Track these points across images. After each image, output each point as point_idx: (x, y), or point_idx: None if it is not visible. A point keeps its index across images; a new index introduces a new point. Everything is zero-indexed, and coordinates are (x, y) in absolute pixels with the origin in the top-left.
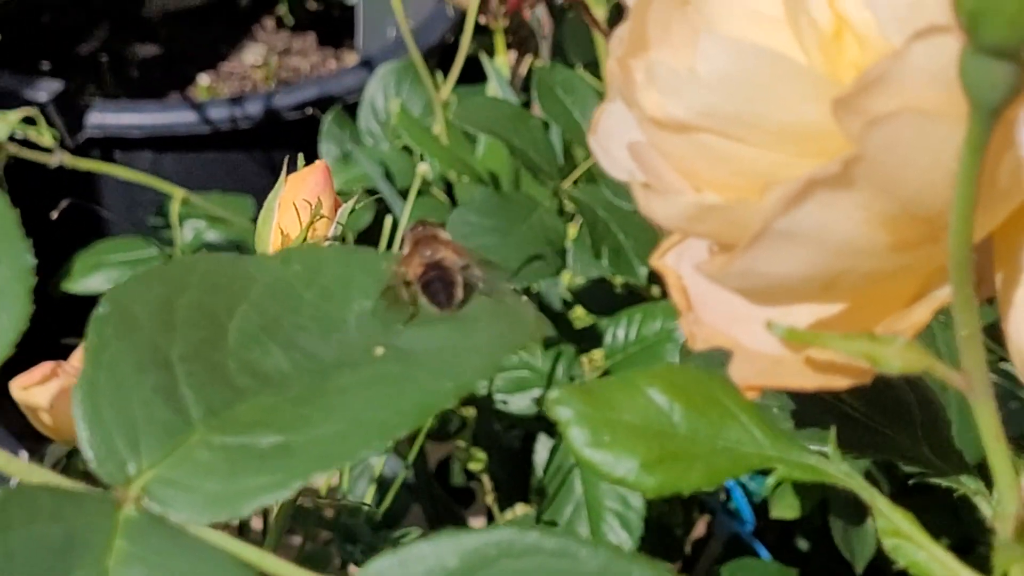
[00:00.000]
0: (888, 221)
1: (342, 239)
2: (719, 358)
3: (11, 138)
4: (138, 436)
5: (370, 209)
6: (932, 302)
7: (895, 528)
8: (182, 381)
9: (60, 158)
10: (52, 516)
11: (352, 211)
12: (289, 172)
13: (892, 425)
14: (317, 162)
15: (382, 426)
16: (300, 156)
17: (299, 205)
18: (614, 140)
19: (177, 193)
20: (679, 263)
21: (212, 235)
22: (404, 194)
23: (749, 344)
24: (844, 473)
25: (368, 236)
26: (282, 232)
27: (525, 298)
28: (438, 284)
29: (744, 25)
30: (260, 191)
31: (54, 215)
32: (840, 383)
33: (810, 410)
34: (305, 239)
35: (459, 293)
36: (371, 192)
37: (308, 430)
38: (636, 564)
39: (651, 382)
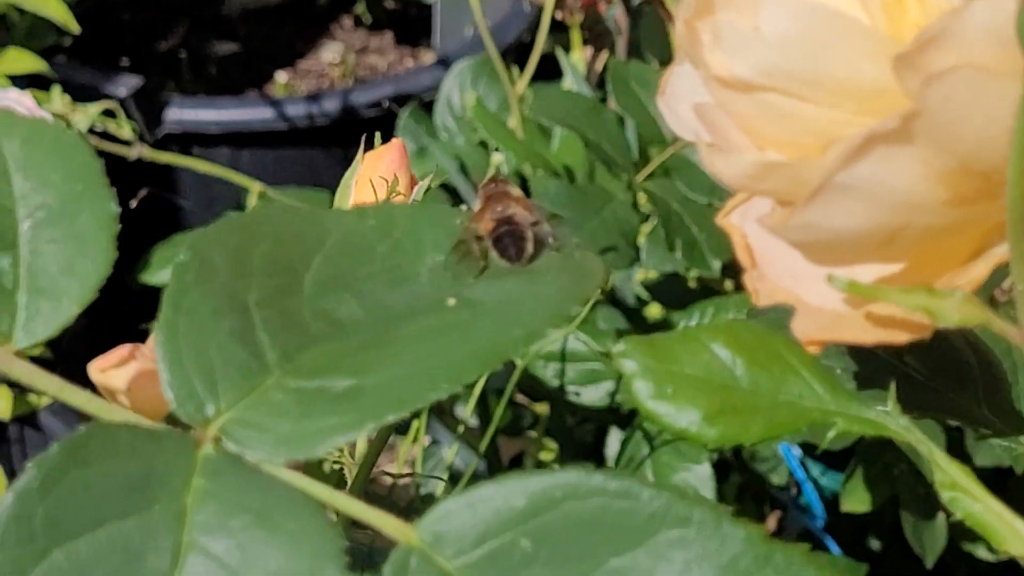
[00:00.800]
0: (946, 176)
1: None
2: (781, 316)
3: (91, 131)
4: (216, 378)
5: (444, 202)
6: (990, 258)
7: (952, 481)
8: (258, 326)
9: (139, 151)
10: (132, 453)
11: (427, 189)
12: (366, 151)
13: (953, 386)
14: (394, 140)
15: (451, 369)
16: (377, 135)
17: (375, 182)
18: (681, 101)
19: (254, 187)
20: (743, 221)
21: None
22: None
23: (811, 300)
24: (903, 427)
25: None
26: None
27: (591, 252)
28: (508, 239)
29: None
30: (336, 187)
31: (133, 204)
32: (900, 337)
33: (872, 371)
34: None
35: (529, 248)
36: (446, 187)
37: (379, 373)
38: (697, 505)
39: (714, 337)
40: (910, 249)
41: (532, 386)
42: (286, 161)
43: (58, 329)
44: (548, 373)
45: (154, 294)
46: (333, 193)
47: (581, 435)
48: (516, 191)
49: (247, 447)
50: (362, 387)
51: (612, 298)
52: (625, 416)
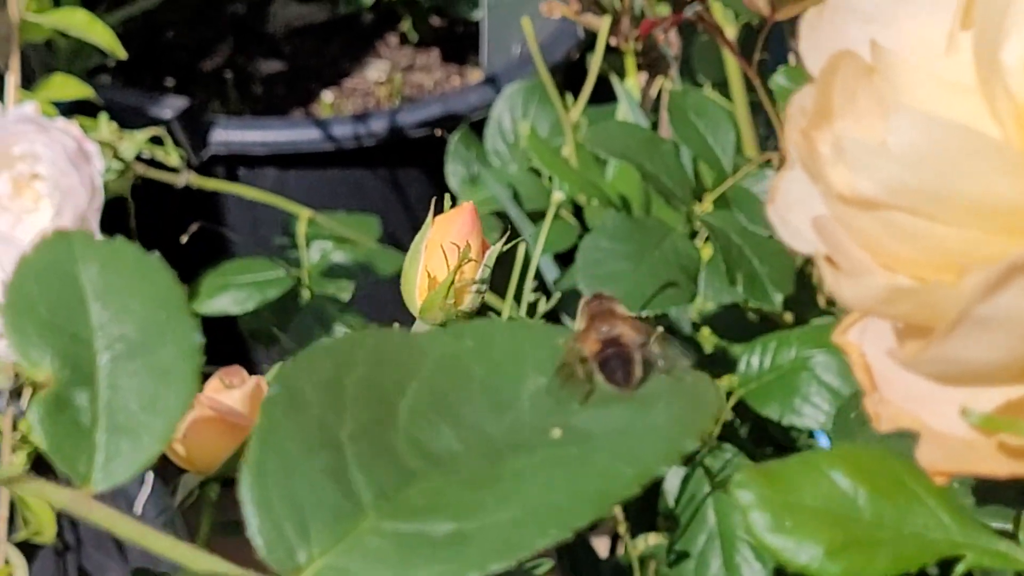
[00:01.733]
0: None
1: (489, 282)
2: (905, 440)
3: (137, 157)
4: (307, 521)
5: (496, 230)
6: None
7: None
8: (352, 462)
9: (187, 178)
10: None
11: (500, 253)
12: (436, 213)
13: None
14: (464, 204)
15: (560, 513)
16: (447, 197)
17: (446, 248)
18: (794, 211)
19: (303, 213)
20: (862, 339)
21: (339, 256)
22: (532, 217)
23: (937, 426)
24: None
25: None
26: (429, 275)
27: (703, 375)
28: (616, 362)
29: (935, 95)
30: (384, 210)
31: (184, 239)
32: None
33: (993, 484)
34: (452, 283)
35: (638, 371)
36: (499, 215)
37: (482, 516)
38: None
39: (834, 464)
40: None
41: None
42: (333, 183)
43: (140, 469)
44: None
45: (207, 327)
46: (380, 216)
47: None
48: (622, 309)
49: None
50: (465, 532)
51: (667, 326)
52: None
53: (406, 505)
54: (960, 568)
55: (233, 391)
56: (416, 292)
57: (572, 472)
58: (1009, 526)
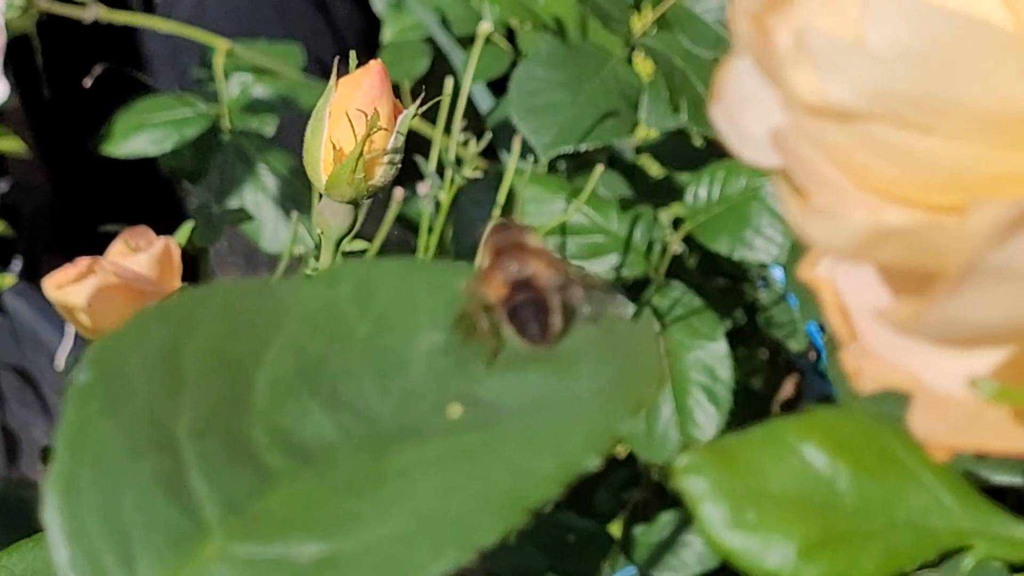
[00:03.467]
0: None
1: (402, 152)
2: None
3: None
4: (134, 550)
5: (425, 56)
6: None
7: None
8: (192, 465)
9: (95, 12)
10: None
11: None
12: (340, 75)
13: None
14: (372, 63)
15: (460, 526)
16: (352, 55)
17: (352, 115)
18: (747, 112)
19: (221, 45)
20: (835, 274)
21: (260, 89)
22: (463, 43)
23: (936, 386)
24: None
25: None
26: (334, 147)
27: (644, 323)
28: (529, 310)
29: None
30: (309, 34)
31: (87, 83)
32: None
33: None
34: (360, 155)
35: (556, 322)
36: (428, 41)
37: (361, 533)
38: None
39: (806, 436)
40: None
41: None
42: (255, 6)
43: None
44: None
45: (119, 168)
46: (306, 41)
47: None
48: (535, 240)
49: None
50: (338, 555)
51: (610, 160)
52: (631, 287)
53: (263, 521)
54: (968, 563)
55: (139, 255)
56: (321, 166)
57: (474, 468)
58: (1019, 480)
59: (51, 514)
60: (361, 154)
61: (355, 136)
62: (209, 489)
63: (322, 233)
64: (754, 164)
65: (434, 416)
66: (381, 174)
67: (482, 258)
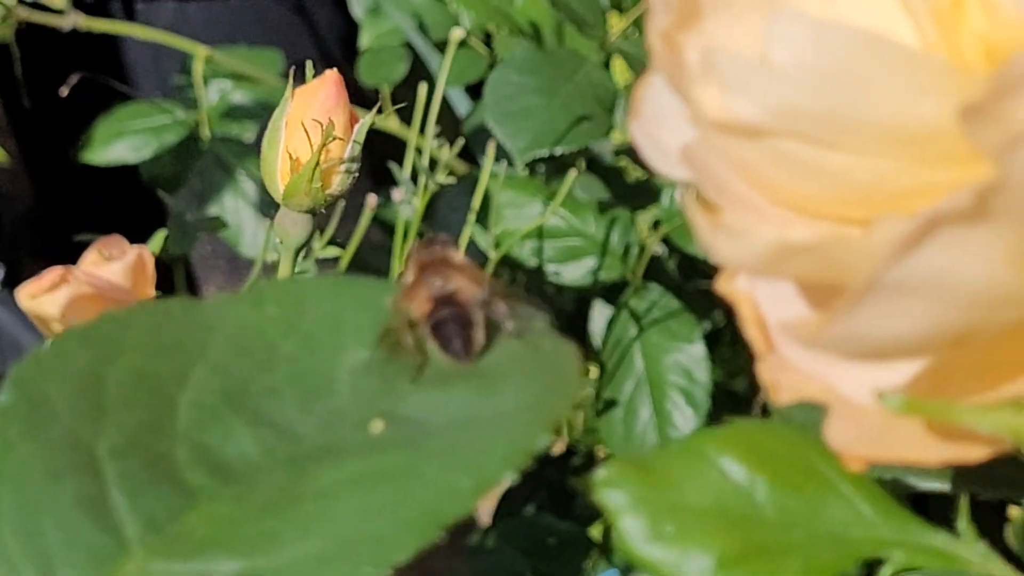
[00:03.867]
0: None
1: (359, 161)
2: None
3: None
4: (55, 570)
5: (403, 61)
6: None
7: None
8: (113, 485)
9: (74, 20)
10: None
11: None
12: (296, 84)
13: None
14: (327, 73)
15: (377, 545)
16: (309, 64)
17: (309, 125)
18: (664, 127)
19: (200, 52)
20: (753, 288)
21: (239, 96)
22: (440, 47)
23: (852, 396)
24: (982, 556)
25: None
26: (291, 157)
27: (564, 340)
28: (452, 326)
29: None
30: (289, 41)
31: (63, 91)
32: (975, 454)
33: None
34: (317, 164)
35: (479, 337)
36: (407, 46)
37: (279, 552)
38: None
39: (724, 448)
40: (980, 345)
41: (507, 266)
42: (236, 14)
43: None
44: (524, 252)
45: (102, 175)
46: (285, 48)
47: (561, 303)
48: (458, 256)
49: None
50: (255, 574)
51: (589, 164)
52: (610, 289)
53: (184, 539)
54: (886, 571)
55: (112, 264)
56: (278, 176)
57: (394, 487)
58: (947, 487)
59: None
60: (317, 164)
61: (311, 146)
62: (130, 508)
63: (281, 243)
64: (670, 179)
65: (357, 434)
66: (338, 183)
67: (406, 274)
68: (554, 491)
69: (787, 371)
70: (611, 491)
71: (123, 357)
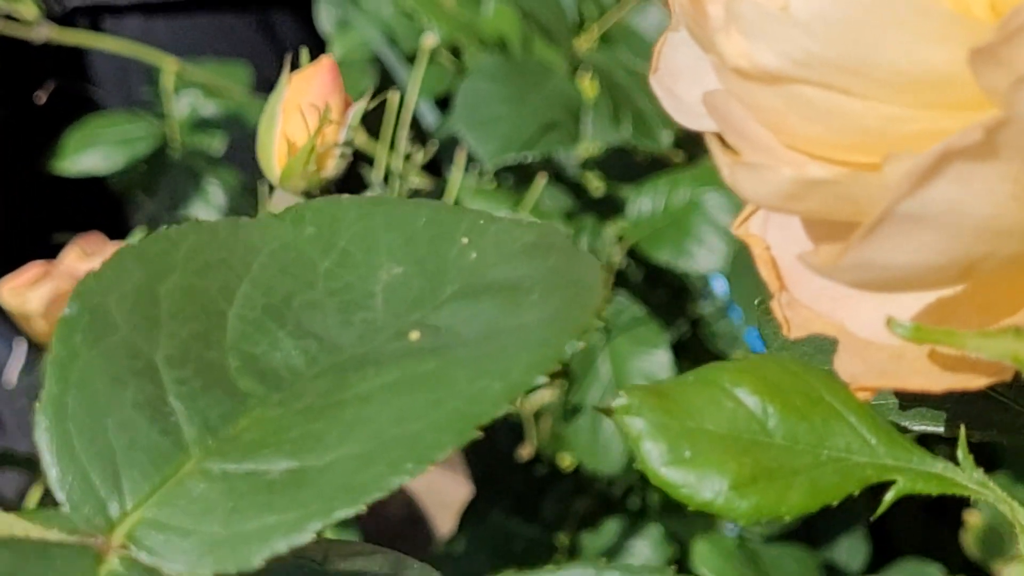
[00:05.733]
0: None
1: (371, 136)
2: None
3: None
4: (119, 468)
5: (371, 75)
6: None
7: None
8: (171, 391)
9: (46, 32)
10: None
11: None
12: (291, 70)
13: None
14: (323, 59)
15: (416, 444)
16: (304, 51)
17: (305, 109)
18: (683, 81)
19: (170, 65)
20: (766, 230)
21: (209, 108)
22: (410, 60)
23: (859, 331)
24: (978, 483)
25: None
26: (287, 140)
27: (587, 254)
28: None
29: None
30: (255, 55)
31: (41, 98)
32: (976, 382)
33: None
34: (313, 148)
35: None
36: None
37: (325, 452)
38: None
39: (739, 380)
40: (987, 276)
41: None
42: (202, 29)
43: None
44: None
45: (70, 187)
46: (252, 62)
47: None
48: None
49: (163, 557)
50: (305, 471)
51: (552, 171)
52: None
53: (236, 440)
54: (889, 496)
55: (94, 260)
56: (275, 159)
57: (428, 392)
58: (940, 428)
59: (42, 436)
60: (313, 147)
61: (308, 130)
62: (186, 412)
63: None
64: (688, 128)
65: (393, 343)
66: (332, 167)
67: None
68: (519, 499)
69: (797, 309)
70: (632, 418)
71: (174, 274)
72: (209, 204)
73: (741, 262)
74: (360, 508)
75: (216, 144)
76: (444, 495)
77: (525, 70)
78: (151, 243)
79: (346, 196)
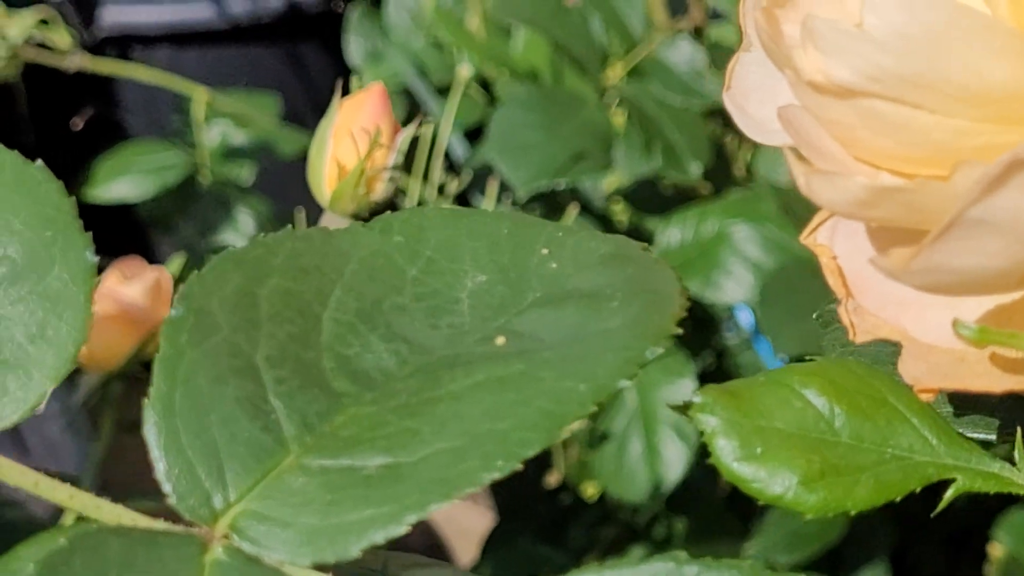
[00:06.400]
0: None
1: (402, 168)
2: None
3: (25, 41)
4: (223, 462)
5: (400, 107)
6: None
7: None
8: (271, 390)
9: (79, 61)
10: (124, 565)
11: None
12: (343, 96)
13: None
14: (373, 85)
15: (505, 442)
16: (354, 78)
17: (356, 134)
18: (753, 98)
19: (200, 94)
20: (833, 239)
21: (239, 137)
22: (440, 91)
23: (922, 336)
24: None
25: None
26: (338, 163)
27: (664, 263)
28: None
29: None
30: (282, 87)
31: (78, 125)
32: None
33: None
34: (363, 171)
35: None
36: (405, 91)
37: (419, 448)
38: None
39: (807, 382)
40: None
41: None
42: (229, 61)
43: (30, 408)
44: None
45: (97, 214)
46: (278, 94)
47: None
48: None
49: (265, 546)
50: (400, 466)
51: (582, 206)
52: None
53: (333, 437)
54: (949, 493)
55: (132, 284)
56: (324, 182)
57: (516, 393)
58: (992, 436)
59: (150, 431)
60: (363, 170)
61: (358, 153)
62: (285, 410)
63: None
64: (761, 142)
65: (480, 347)
66: (381, 190)
67: None
68: (544, 527)
69: (864, 315)
70: (706, 415)
71: (272, 278)
72: (239, 232)
73: (769, 293)
74: (453, 500)
75: (245, 173)
76: (464, 524)
77: (557, 100)
78: (250, 249)
79: (431, 207)
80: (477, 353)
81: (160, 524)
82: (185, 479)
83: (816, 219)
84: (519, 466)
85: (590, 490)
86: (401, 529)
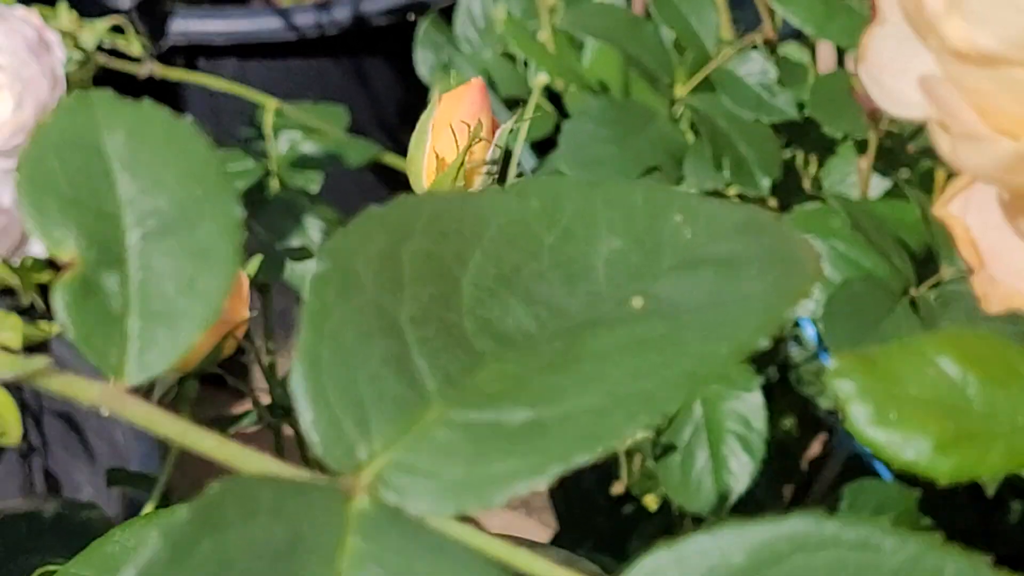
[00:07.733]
0: None
1: (501, 162)
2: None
3: (98, 47)
4: (368, 415)
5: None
6: None
7: None
8: (414, 348)
9: (150, 68)
10: (274, 512)
11: (511, 132)
12: (442, 92)
13: None
14: (473, 80)
15: (648, 399)
16: (453, 72)
17: (456, 127)
18: (888, 71)
19: (270, 103)
20: (966, 211)
21: (308, 147)
22: (508, 104)
23: None
24: None
25: None
26: (437, 156)
27: (803, 236)
28: None
29: None
30: (347, 99)
31: None
32: None
33: None
34: (462, 164)
35: None
36: None
37: (563, 403)
38: (950, 557)
39: (941, 350)
40: None
41: None
42: (294, 73)
43: (177, 359)
44: None
45: None
46: (346, 107)
47: None
48: None
49: (409, 497)
50: (544, 420)
51: None
52: None
53: (476, 392)
54: None
55: None
56: (423, 174)
57: (659, 352)
58: None
59: (297, 382)
60: (463, 163)
61: (457, 146)
62: (429, 367)
63: None
64: (896, 115)
65: (619, 310)
66: (480, 183)
67: None
68: (603, 538)
69: (996, 286)
70: (841, 381)
71: (414, 239)
72: (307, 240)
73: (833, 308)
74: (597, 454)
75: (314, 182)
76: (522, 536)
77: (629, 113)
78: (392, 210)
79: (565, 176)
80: (616, 316)
81: (306, 475)
82: (331, 430)
83: (948, 191)
84: (660, 421)
85: (652, 502)
86: (546, 480)
